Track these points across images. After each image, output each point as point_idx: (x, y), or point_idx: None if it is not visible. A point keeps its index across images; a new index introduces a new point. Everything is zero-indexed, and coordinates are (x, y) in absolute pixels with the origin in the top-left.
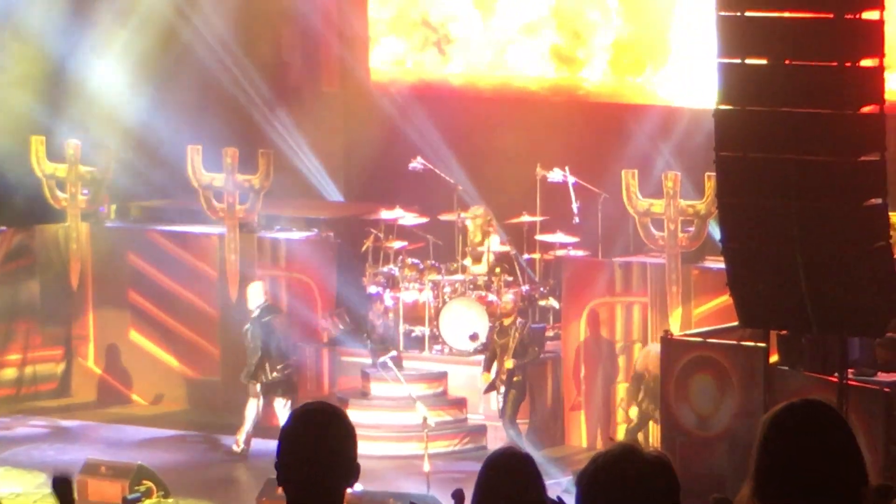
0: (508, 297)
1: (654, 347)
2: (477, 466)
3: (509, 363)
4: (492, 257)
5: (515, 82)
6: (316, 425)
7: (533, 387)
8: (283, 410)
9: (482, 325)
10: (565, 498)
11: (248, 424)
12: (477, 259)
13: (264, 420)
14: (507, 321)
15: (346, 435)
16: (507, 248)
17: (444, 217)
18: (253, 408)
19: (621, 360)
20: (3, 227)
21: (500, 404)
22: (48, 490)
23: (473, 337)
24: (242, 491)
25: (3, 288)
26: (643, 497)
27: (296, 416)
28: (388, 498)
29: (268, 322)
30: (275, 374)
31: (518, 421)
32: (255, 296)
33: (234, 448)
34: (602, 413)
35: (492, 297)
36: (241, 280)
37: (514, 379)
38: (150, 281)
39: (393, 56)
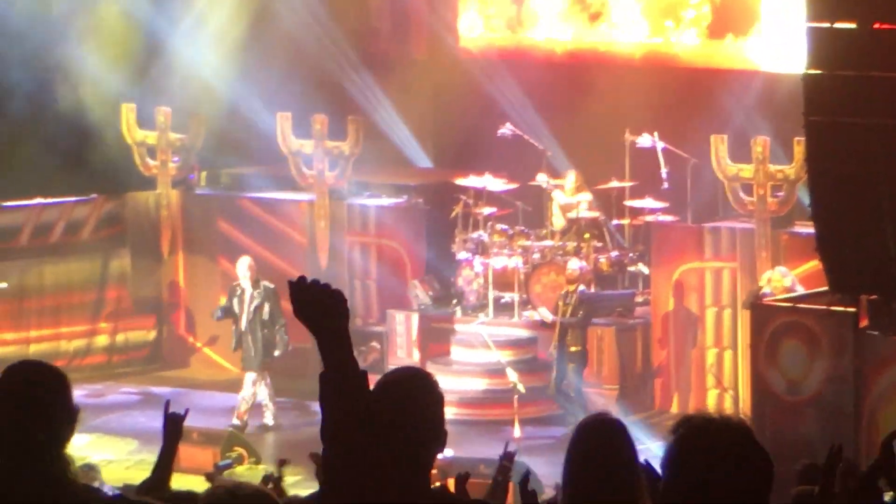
0: (574, 263)
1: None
2: (564, 432)
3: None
4: (582, 223)
5: (605, 47)
6: (404, 390)
7: (622, 353)
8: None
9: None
10: (654, 463)
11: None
12: (566, 224)
13: None
14: (571, 287)
15: (434, 400)
16: (595, 213)
17: (535, 182)
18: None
19: (710, 326)
20: (94, 195)
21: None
22: (140, 457)
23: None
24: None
25: (95, 256)
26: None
27: (385, 383)
28: (478, 464)
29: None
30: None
31: (606, 386)
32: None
33: (237, 422)
34: (691, 378)
35: (581, 262)
36: (331, 247)
37: (572, 349)
38: (240, 247)
39: (481, 22)
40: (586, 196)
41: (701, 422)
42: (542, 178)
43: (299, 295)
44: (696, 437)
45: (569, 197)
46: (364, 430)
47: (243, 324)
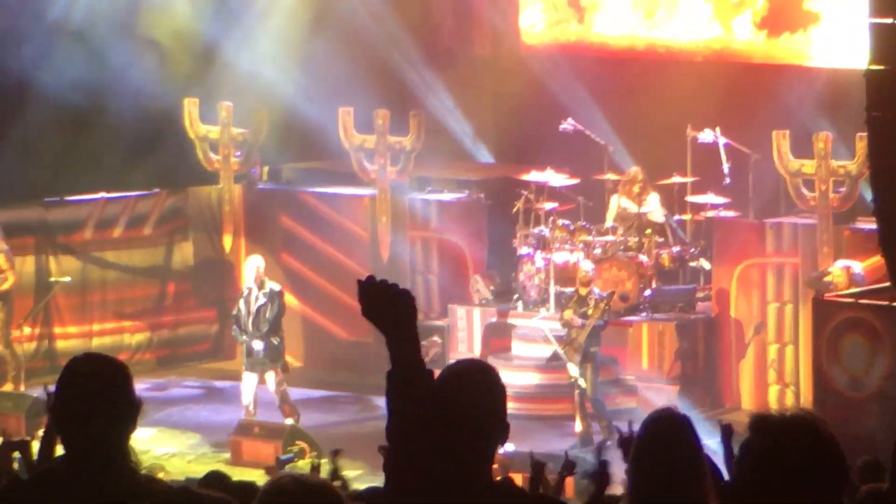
0: (587, 265)
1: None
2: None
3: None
4: (643, 219)
5: (667, 43)
6: (468, 384)
7: (684, 348)
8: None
9: (633, 286)
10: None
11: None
12: (628, 220)
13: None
14: (583, 291)
15: (497, 393)
16: (664, 219)
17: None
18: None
19: (772, 321)
20: (157, 190)
21: (579, 379)
22: (203, 450)
23: (624, 298)
24: None
25: (157, 250)
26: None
27: (448, 375)
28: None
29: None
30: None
31: (668, 382)
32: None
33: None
34: (754, 374)
35: (643, 257)
36: (393, 242)
37: (591, 350)
38: (302, 242)
39: (543, 17)
40: (654, 196)
41: (778, 420)
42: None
43: (367, 294)
44: (773, 435)
45: (634, 197)
46: (429, 426)
47: (249, 325)
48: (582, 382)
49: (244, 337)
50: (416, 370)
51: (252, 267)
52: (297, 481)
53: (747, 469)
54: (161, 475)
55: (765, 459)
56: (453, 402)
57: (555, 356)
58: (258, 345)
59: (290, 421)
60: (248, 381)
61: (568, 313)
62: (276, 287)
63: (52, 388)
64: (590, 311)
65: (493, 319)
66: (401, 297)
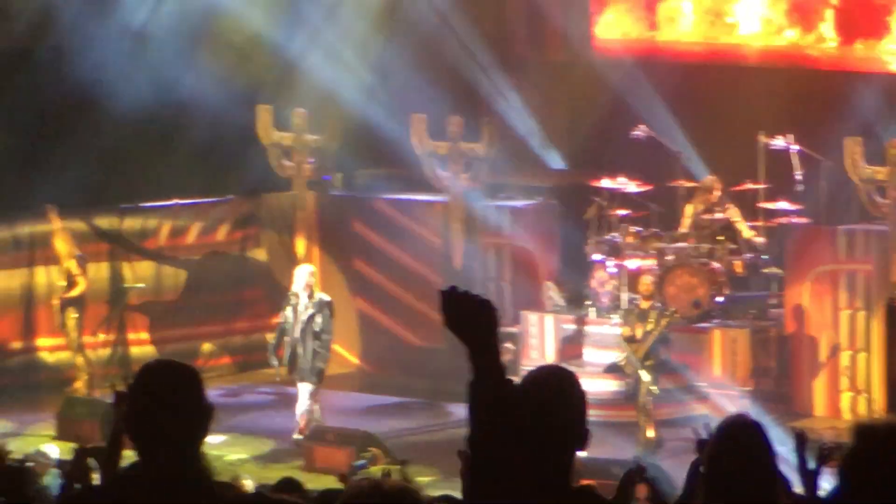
0: (647, 278)
1: None
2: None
3: (644, 372)
4: (716, 226)
5: (739, 49)
6: (549, 390)
7: (756, 355)
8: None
9: (705, 293)
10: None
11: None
12: (702, 228)
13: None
14: (644, 304)
15: (578, 400)
16: (755, 236)
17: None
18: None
19: (844, 328)
20: (231, 196)
21: (632, 387)
22: (276, 456)
23: (696, 305)
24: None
25: (231, 256)
26: None
27: (530, 381)
28: (611, 465)
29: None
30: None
31: (740, 389)
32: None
33: (299, 437)
34: (826, 381)
35: (715, 264)
36: (465, 248)
37: (648, 363)
38: (375, 249)
39: (616, 25)
40: (732, 210)
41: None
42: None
43: (449, 305)
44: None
45: (712, 205)
46: (511, 433)
47: (296, 332)
48: (654, 389)
49: (274, 362)
50: (497, 380)
51: (303, 275)
52: (376, 486)
53: (856, 477)
54: (245, 482)
55: (873, 466)
56: (535, 409)
57: (615, 365)
58: (303, 353)
59: (297, 437)
60: (301, 391)
61: (626, 330)
62: (327, 298)
63: (120, 388)
64: (649, 327)
65: (566, 326)
66: (482, 307)
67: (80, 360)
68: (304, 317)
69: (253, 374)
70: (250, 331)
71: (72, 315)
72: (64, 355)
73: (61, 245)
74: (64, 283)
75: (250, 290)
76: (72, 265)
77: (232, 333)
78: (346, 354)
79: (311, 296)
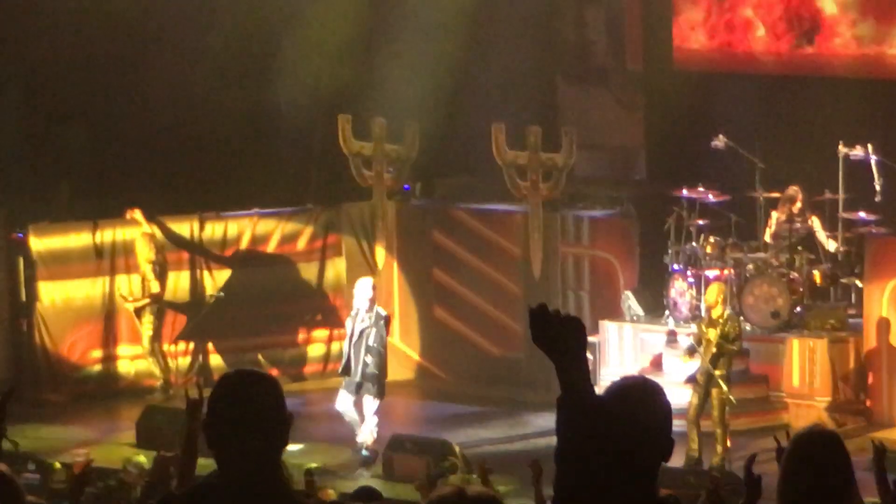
0: (713, 287)
1: None
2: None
3: (720, 381)
4: (795, 237)
5: (819, 58)
6: (635, 401)
7: (835, 365)
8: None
9: (784, 303)
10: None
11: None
12: (782, 238)
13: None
14: (714, 313)
15: (663, 410)
16: (838, 249)
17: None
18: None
19: None
20: (310, 206)
21: (696, 400)
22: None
23: (775, 315)
24: (544, 467)
25: (310, 265)
26: None
27: (615, 391)
28: (688, 475)
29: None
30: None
31: (819, 399)
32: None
33: (366, 453)
34: None
35: (794, 274)
36: (544, 258)
37: (717, 373)
38: (454, 258)
39: (696, 34)
40: (815, 220)
41: None
42: None
43: (537, 322)
44: None
45: (795, 216)
46: (597, 443)
47: (350, 345)
48: (732, 399)
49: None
50: (584, 397)
51: (366, 288)
52: (459, 494)
53: None
54: (331, 493)
55: None
56: (621, 419)
57: (693, 375)
58: (357, 366)
59: (365, 453)
60: (343, 399)
61: (696, 339)
62: (383, 312)
63: (193, 395)
64: (718, 335)
65: (645, 336)
66: (571, 325)
67: (155, 365)
68: (358, 329)
69: (332, 381)
70: (330, 339)
71: (148, 321)
72: (143, 364)
73: (142, 248)
74: (138, 289)
75: (331, 300)
76: (147, 270)
77: (311, 342)
78: (425, 363)
79: (369, 309)
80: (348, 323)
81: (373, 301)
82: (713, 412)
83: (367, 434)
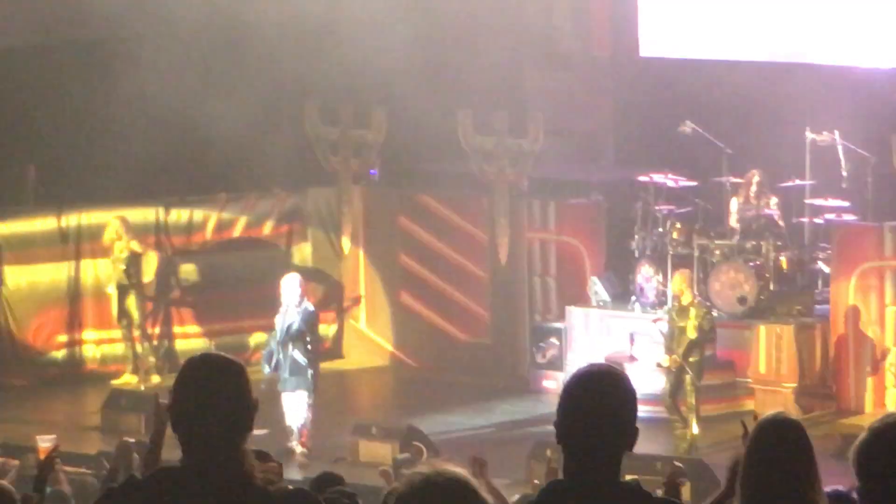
0: (677, 275)
1: None
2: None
3: (666, 361)
4: (762, 222)
5: (784, 46)
6: (598, 388)
7: (801, 351)
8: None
9: (751, 289)
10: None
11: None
12: (746, 223)
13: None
14: (684, 300)
15: (627, 398)
16: (776, 211)
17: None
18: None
19: (890, 324)
20: (276, 191)
21: (669, 385)
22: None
23: (742, 300)
24: (511, 452)
25: (276, 250)
26: None
27: (578, 378)
28: (654, 462)
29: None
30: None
31: (784, 385)
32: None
33: (302, 449)
34: (872, 377)
35: (760, 260)
36: (511, 243)
37: (692, 360)
38: (421, 244)
39: (663, 20)
40: (772, 200)
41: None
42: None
43: None
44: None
45: (751, 200)
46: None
47: (279, 342)
48: (698, 383)
49: (266, 368)
50: None
51: (290, 284)
52: (427, 480)
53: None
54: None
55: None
56: (582, 408)
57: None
58: (285, 363)
59: (301, 450)
60: (285, 400)
61: (666, 327)
62: (311, 307)
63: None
64: (689, 323)
65: (611, 321)
66: None
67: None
68: (285, 325)
69: None
70: None
71: (134, 304)
72: (109, 348)
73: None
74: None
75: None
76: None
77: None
78: (390, 349)
79: (298, 304)
80: (277, 320)
81: (302, 297)
82: (687, 398)
83: (298, 433)
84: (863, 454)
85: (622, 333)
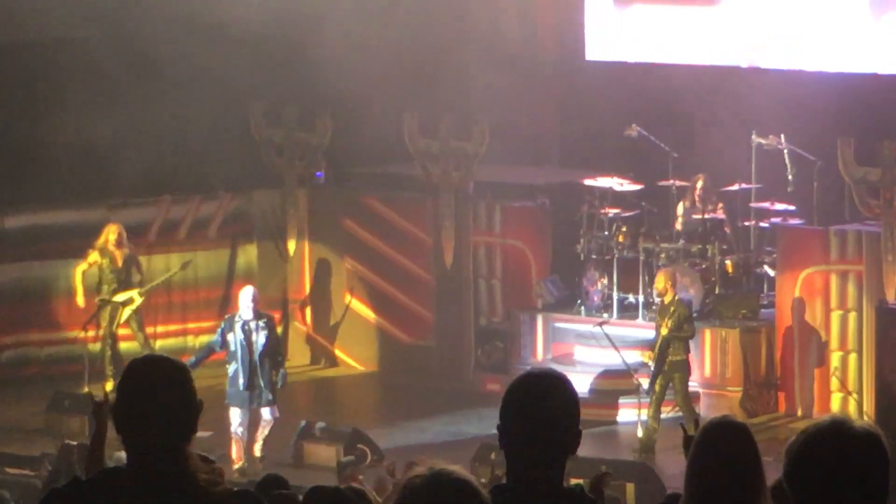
0: (660, 275)
1: None
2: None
3: (646, 356)
4: (707, 225)
5: (730, 50)
6: (539, 392)
7: (747, 355)
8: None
9: (696, 292)
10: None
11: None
12: (692, 227)
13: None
14: (667, 299)
15: (569, 402)
16: (722, 216)
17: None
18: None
19: (835, 329)
20: (222, 192)
21: (650, 384)
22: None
23: (688, 304)
24: (457, 454)
25: (221, 252)
26: (852, 471)
27: (519, 382)
28: (600, 465)
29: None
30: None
31: (730, 389)
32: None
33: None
34: (817, 381)
35: (706, 264)
36: (456, 246)
37: (676, 359)
38: (366, 246)
39: (609, 25)
40: (717, 203)
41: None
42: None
43: None
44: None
45: (697, 203)
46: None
47: (252, 358)
48: (646, 387)
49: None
50: None
51: (245, 297)
52: (430, 482)
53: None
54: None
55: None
56: (524, 412)
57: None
58: (263, 379)
59: (238, 466)
60: (235, 414)
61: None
62: (269, 316)
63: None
64: (671, 323)
65: (556, 324)
66: None
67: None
68: (256, 339)
69: None
70: None
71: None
72: (53, 349)
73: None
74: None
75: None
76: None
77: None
78: (337, 353)
79: (258, 316)
80: (231, 337)
81: (256, 310)
82: (677, 397)
83: (258, 448)
84: (794, 459)
85: (567, 336)
